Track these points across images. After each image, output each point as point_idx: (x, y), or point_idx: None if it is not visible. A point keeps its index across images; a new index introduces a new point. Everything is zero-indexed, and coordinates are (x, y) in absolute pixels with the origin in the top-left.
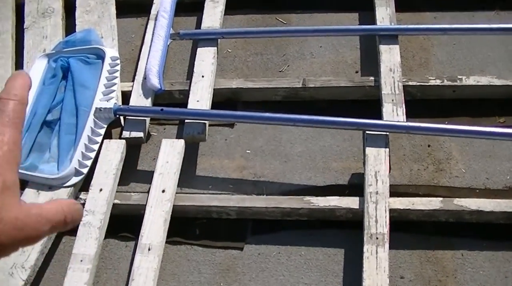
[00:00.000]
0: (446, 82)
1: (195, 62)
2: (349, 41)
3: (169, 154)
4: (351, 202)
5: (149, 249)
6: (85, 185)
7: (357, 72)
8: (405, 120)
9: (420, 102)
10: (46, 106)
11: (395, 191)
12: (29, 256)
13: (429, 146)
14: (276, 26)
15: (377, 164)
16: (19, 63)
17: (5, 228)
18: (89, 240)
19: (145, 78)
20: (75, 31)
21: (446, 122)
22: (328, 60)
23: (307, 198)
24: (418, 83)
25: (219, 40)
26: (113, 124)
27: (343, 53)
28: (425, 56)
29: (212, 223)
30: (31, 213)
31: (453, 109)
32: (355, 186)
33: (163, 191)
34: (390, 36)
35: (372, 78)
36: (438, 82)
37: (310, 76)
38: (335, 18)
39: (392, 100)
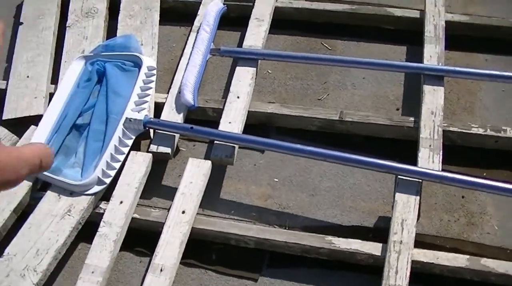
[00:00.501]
0: (489, 132)
1: (232, 82)
2: (393, 75)
3: (194, 174)
4: (373, 248)
5: (161, 270)
6: (107, 194)
7: (398, 109)
8: (440, 168)
9: (459, 149)
10: (78, 109)
11: (421, 241)
12: (42, 260)
13: (463, 196)
14: (321, 50)
15: (405, 212)
16: (57, 62)
17: None
18: (103, 252)
19: (179, 92)
20: (115, 35)
21: (484, 174)
22: (369, 94)
23: (329, 237)
24: (459, 130)
25: (259, 61)
26: (143, 136)
27: (386, 87)
28: (470, 100)
29: (230, 250)
30: (12, 155)
31: (493, 160)
32: (381, 230)
33: (183, 212)
34: (436, 77)
35: (412, 119)
36: (480, 131)
37: (349, 108)
38: (381, 50)
39: (430, 145)
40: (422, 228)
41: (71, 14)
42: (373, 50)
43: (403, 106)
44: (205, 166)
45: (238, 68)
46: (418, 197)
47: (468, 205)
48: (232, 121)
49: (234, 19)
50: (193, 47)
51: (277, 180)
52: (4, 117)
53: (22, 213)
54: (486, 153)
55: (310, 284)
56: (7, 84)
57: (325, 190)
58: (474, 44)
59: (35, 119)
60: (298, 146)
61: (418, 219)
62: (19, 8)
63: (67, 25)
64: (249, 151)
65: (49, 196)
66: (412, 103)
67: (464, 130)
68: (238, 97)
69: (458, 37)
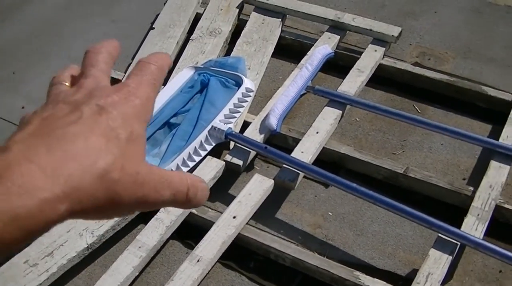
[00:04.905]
0: None
1: (316, 118)
2: (471, 148)
3: (255, 188)
4: None
5: (198, 261)
6: None
7: (464, 179)
8: (481, 237)
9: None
10: (174, 109)
11: None
12: (101, 226)
13: (500, 271)
14: (410, 112)
15: (434, 267)
16: (172, 68)
17: (124, 178)
18: (154, 233)
19: (266, 116)
20: (229, 55)
21: None
22: (442, 159)
23: (357, 273)
24: None
25: (348, 106)
26: (225, 146)
27: (460, 157)
28: None
29: (268, 263)
30: (153, 171)
31: None
32: (411, 281)
33: (234, 217)
34: (505, 156)
35: (471, 188)
36: None
37: (418, 168)
38: (468, 124)
39: (478, 215)
40: None
41: (198, 30)
42: (460, 122)
43: (470, 178)
44: (267, 184)
45: (325, 108)
46: (451, 257)
47: (503, 280)
48: (305, 151)
49: (341, 67)
50: (292, 81)
51: (331, 214)
52: None
53: None
54: None
55: None
56: (123, 77)
57: (372, 233)
58: None
59: None
60: (355, 185)
61: (449, 279)
62: (157, 16)
63: (191, 38)
64: (315, 183)
65: None
66: (480, 177)
67: None
68: (317, 132)
69: None
